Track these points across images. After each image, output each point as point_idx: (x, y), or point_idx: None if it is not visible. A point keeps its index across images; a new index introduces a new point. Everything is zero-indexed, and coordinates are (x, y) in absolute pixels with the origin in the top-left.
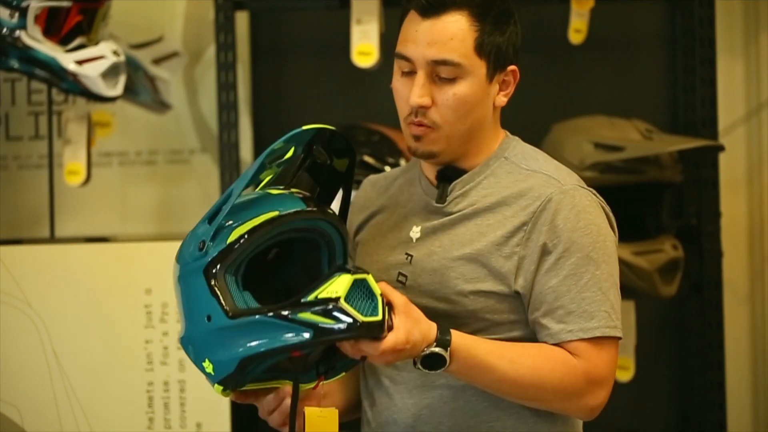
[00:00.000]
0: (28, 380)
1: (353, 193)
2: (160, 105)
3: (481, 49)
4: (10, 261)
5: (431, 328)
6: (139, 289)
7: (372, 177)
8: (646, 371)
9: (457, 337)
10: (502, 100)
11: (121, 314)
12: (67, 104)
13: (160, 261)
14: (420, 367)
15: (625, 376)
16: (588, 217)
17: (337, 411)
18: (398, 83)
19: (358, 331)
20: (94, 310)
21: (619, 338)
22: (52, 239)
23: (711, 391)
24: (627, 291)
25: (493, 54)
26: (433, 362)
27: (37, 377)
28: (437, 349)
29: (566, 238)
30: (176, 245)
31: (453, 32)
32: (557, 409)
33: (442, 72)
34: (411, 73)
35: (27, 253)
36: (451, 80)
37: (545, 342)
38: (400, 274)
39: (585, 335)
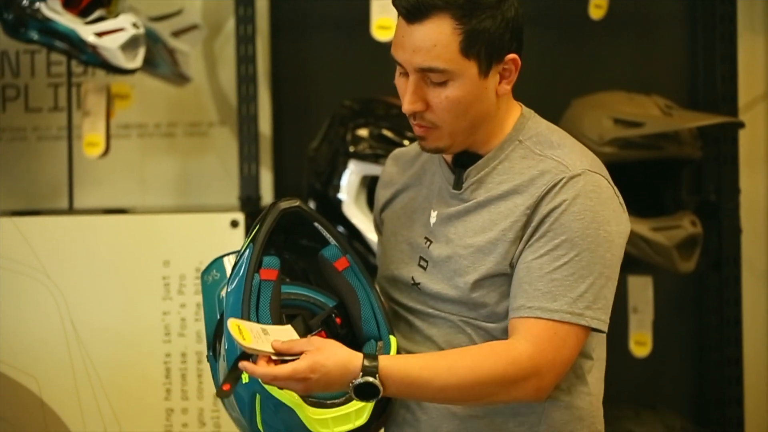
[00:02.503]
0: (46, 351)
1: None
2: (180, 77)
3: (468, 50)
4: (28, 232)
5: (353, 358)
6: (157, 261)
7: (396, 152)
8: (663, 347)
9: (385, 360)
10: (505, 88)
11: (139, 286)
12: (86, 76)
13: (178, 233)
14: (355, 397)
15: (643, 351)
16: (586, 203)
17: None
18: (398, 82)
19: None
20: (112, 282)
21: (589, 328)
22: (71, 211)
23: (728, 367)
24: (645, 267)
25: (483, 51)
26: (366, 392)
27: (54, 348)
28: (365, 379)
29: (555, 220)
30: (194, 217)
31: (436, 39)
32: (505, 400)
33: (431, 77)
34: (407, 74)
35: (46, 225)
36: (442, 84)
37: (509, 317)
38: (421, 258)
39: (543, 315)
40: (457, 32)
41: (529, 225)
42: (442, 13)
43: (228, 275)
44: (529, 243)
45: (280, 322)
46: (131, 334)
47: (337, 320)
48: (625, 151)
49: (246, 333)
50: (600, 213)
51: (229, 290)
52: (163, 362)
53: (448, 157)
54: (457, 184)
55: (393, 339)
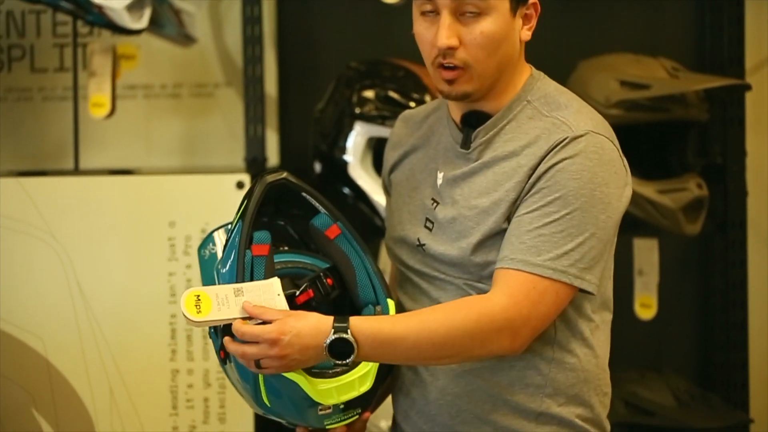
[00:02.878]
0: (51, 311)
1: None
2: (186, 38)
3: None
4: (34, 193)
5: (324, 319)
6: (163, 222)
7: (406, 113)
8: (669, 309)
9: (356, 320)
10: (526, 34)
11: (144, 247)
12: (92, 37)
13: (183, 194)
14: (330, 357)
15: (648, 314)
16: (585, 163)
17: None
18: (420, 27)
19: None
20: (117, 243)
21: (572, 286)
22: (77, 171)
23: (733, 330)
24: (651, 229)
25: None
26: (340, 349)
27: (60, 308)
28: (338, 335)
29: (551, 177)
30: (200, 179)
31: None
32: (481, 354)
33: (467, 7)
34: (431, 14)
35: (51, 185)
36: (477, 17)
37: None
38: (427, 219)
39: (524, 268)
40: None
41: (528, 183)
42: None
43: (222, 250)
44: (523, 198)
45: None
46: (137, 295)
47: (328, 281)
48: (631, 114)
49: (206, 302)
50: (598, 174)
51: (223, 271)
52: (168, 323)
53: (457, 116)
54: (465, 144)
55: (391, 302)
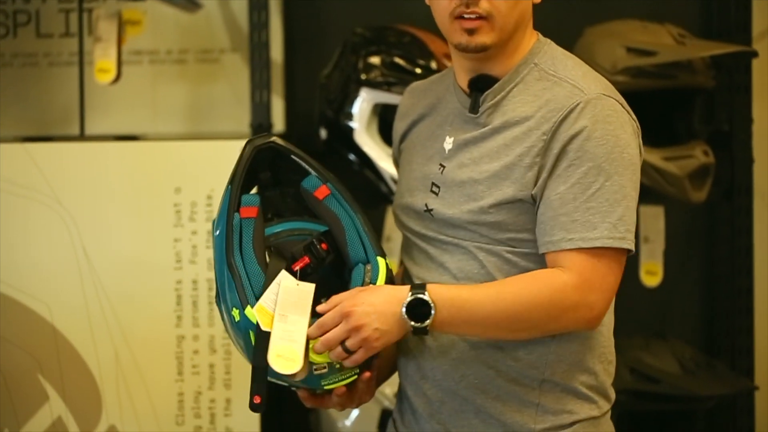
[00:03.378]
0: (57, 277)
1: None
2: (191, 4)
3: None
4: (40, 158)
5: (397, 288)
6: (169, 188)
7: (413, 84)
8: (674, 277)
9: (433, 285)
10: None
11: (150, 213)
12: (97, 2)
13: (189, 160)
14: (409, 319)
15: (654, 281)
16: (607, 128)
17: (314, 286)
18: None
19: None
20: (123, 209)
21: (628, 250)
22: (82, 137)
23: (739, 297)
24: (656, 196)
25: None
26: (418, 310)
27: (66, 274)
28: (416, 296)
29: (579, 146)
30: (206, 144)
31: None
32: (555, 329)
33: None
34: None
35: (57, 151)
36: None
37: (546, 251)
38: (433, 184)
39: (585, 245)
40: None
41: (549, 151)
42: None
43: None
44: (555, 172)
45: (264, 259)
46: (142, 261)
47: (323, 246)
48: (637, 80)
49: (289, 352)
50: (621, 137)
51: (216, 234)
52: (174, 289)
53: (463, 82)
54: (474, 108)
55: (381, 260)
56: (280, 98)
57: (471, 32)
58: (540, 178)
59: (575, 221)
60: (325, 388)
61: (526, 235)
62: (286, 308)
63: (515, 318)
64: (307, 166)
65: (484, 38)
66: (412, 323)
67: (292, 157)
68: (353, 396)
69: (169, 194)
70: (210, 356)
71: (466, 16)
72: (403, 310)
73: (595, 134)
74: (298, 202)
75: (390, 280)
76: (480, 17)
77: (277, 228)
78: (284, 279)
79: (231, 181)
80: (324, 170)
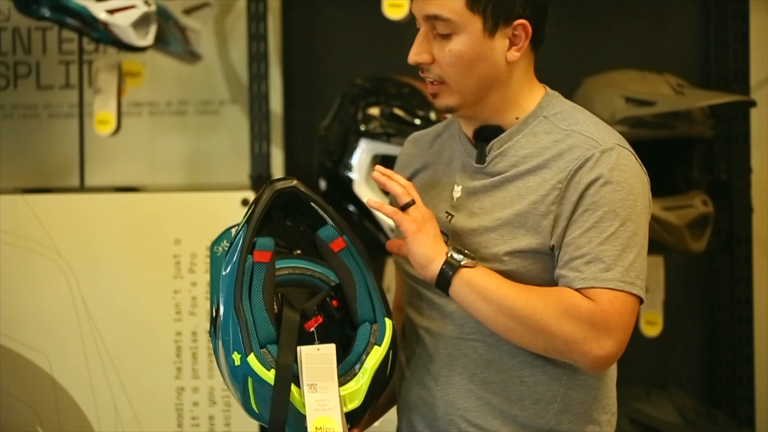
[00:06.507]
0: (57, 329)
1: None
2: (191, 55)
3: (474, 5)
4: (40, 210)
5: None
6: (168, 240)
7: (414, 134)
8: (674, 326)
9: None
10: (514, 55)
11: (150, 264)
12: (97, 53)
13: (189, 211)
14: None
15: (654, 331)
16: (622, 176)
17: (334, 346)
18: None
19: None
20: (123, 260)
21: (638, 297)
22: (82, 188)
23: (739, 347)
24: (656, 246)
25: (490, 8)
26: (445, 272)
27: (66, 326)
28: (454, 256)
29: (595, 192)
30: (205, 196)
31: None
32: (559, 352)
33: (438, 28)
34: (418, 30)
35: (57, 202)
36: (447, 36)
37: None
38: (441, 233)
39: (597, 284)
40: None
41: (566, 200)
42: None
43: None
44: (573, 220)
45: (272, 304)
46: (142, 313)
47: (334, 303)
48: (636, 130)
49: (328, 424)
50: (635, 186)
51: (224, 273)
52: (173, 341)
53: (469, 132)
54: (480, 158)
55: (388, 321)
56: (280, 149)
57: (434, 95)
58: (558, 226)
59: (589, 263)
60: None
61: (538, 284)
62: (313, 377)
63: (520, 314)
64: (325, 215)
65: (446, 101)
66: (452, 254)
67: (311, 204)
68: None
69: (168, 246)
70: (210, 408)
71: (427, 80)
72: (449, 252)
73: (612, 181)
74: (305, 237)
75: (395, 342)
76: (438, 81)
77: (290, 263)
78: (303, 347)
79: (247, 221)
80: (341, 221)
